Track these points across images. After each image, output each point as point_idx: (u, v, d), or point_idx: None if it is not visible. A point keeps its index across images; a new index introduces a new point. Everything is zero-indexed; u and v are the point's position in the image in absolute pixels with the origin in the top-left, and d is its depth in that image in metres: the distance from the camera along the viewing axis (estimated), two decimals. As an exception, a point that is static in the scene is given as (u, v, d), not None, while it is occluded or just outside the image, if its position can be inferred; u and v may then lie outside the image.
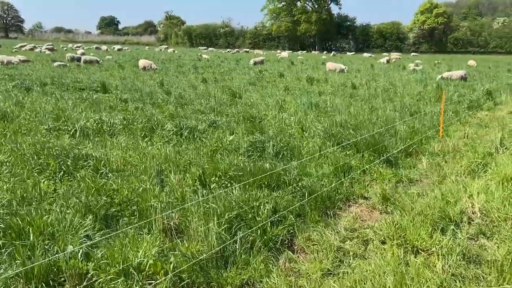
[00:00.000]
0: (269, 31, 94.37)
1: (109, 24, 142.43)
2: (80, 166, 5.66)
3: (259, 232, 4.04)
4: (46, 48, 45.71)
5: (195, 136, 7.60)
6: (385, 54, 65.92)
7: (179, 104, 11.29)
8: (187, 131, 7.65)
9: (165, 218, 4.03)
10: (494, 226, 4.44)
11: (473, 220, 4.56)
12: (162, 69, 23.69)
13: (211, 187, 5.12)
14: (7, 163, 5.72)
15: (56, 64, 23.24)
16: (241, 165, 5.65)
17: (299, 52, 70.82)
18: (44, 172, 5.46)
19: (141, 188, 4.90)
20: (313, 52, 76.58)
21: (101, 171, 5.58)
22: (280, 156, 6.49)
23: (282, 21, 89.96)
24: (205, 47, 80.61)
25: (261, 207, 4.34)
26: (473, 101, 12.80)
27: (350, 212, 4.96)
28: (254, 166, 5.46)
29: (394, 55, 52.06)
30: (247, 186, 4.96)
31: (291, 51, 63.85)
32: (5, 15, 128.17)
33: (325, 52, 68.48)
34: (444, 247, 3.83)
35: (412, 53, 70.29)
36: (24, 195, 4.60)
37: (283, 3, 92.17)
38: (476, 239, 4.20)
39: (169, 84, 16.34)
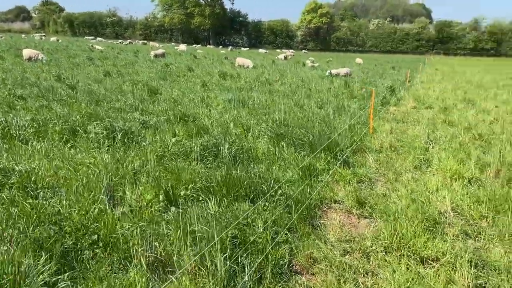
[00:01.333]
0: (161, 22, 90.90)
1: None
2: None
3: (260, 256, 3.48)
4: None
5: (131, 140, 6.60)
6: (279, 50, 68.56)
7: (93, 101, 9.88)
8: (120, 133, 6.59)
9: (147, 249, 3.23)
10: (474, 226, 4.55)
11: (451, 221, 4.62)
12: (52, 60, 20.88)
13: (179, 202, 4.37)
14: None
15: None
16: (207, 173, 4.98)
17: (195, 45, 69.58)
18: None
19: (95, 210, 3.94)
20: (208, 46, 75.90)
21: (29, 188, 4.41)
22: (238, 160, 5.93)
23: (175, 13, 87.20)
24: (93, 37, 74.29)
25: (255, 224, 3.78)
26: (384, 97, 13.68)
27: (331, 220, 4.67)
28: (228, 175, 4.81)
29: (289, 52, 54.26)
30: (224, 200, 4.34)
31: (185, 45, 62.24)
32: None
33: (220, 46, 68.38)
34: (451, 255, 3.74)
35: (303, 51, 74.33)
36: None
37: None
38: (463, 241, 4.23)
39: (68, 77, 14.34)
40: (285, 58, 38.84)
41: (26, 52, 20.11)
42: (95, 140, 6.51)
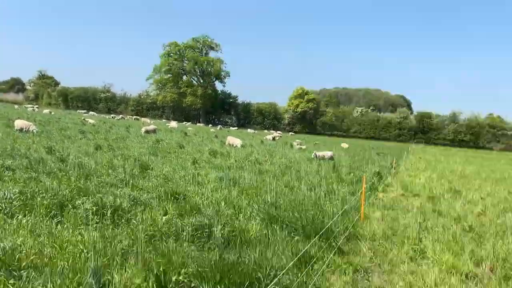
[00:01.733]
0: (154, 100, 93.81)
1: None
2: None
3: None
4: None
5: (120, 217, 6.42)
6: (266, 131, 70.47)
7: (82, 175, 9.75)
8: (110, 210, 6.42)
9: None
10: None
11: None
12: (43, 132, 20.97)
13: (170, 288, 4.13)
14: None
15: None
16: (199, 256, 4.79)
17: (185, 123, 71.24)
18: None
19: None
20: (198, 124, 77.69)
21: (11, 268, 4.14)
22: (231, 243, 5.76)
23: (168, 92, 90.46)
24: (85, 111, 75.67)
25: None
26: (373, 183, 13.85)
27: (328, 312, 4.44)
28: (221, 259, 4.63)
29: (277, 133, 55.78)
30: (218, 287, 4.13)
31: (176, 122, 63.74)
32: None
33: (210, 125, 70.18)
34: None
35: (290, 133, 76.50)
36: None
37: (169, 75, 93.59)
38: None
39: (59, 150, 14.30)
40: (273, 139, 39.79)
41: (18, 123, 20.25)
42: (84, 216, 6.31)
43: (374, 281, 5.40)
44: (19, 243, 4.79)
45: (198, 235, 5.79)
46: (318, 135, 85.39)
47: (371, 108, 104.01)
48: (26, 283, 3.79)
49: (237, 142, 25.07)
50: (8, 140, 15.70)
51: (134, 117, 73.27)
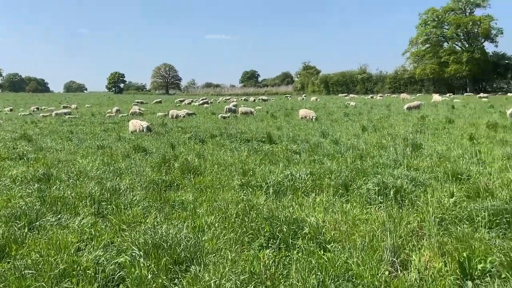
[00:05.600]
0: (411, 74, 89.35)
1: (250, 78, 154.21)
2: (294, 233, 4.94)
3: None
4: (202, 102, 50.66)
5: (404, 198, 6.41)
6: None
7: (357, 156, 10.30)
8: (392, 191, 6.51)
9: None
10: None
11: None
12: (316, 118, 23.38)
13: (475, 277, 3.82)
14: (216, 226, 5.36)
15: (220, 116, 24.96)
16: (505, 245, 4.23)
17: (449, 94, 64.78)
18: (257, 239, 4.89)
19: (386, 272, 3.86)
20: (465, 94, 69.18)
21: (318, 240, 4.78)
22: (543, 232, 4.83)
23: (426, 64, 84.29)
24: (345, 94, 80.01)
25: None
26: None
27: None
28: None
29: None
30: (539, 283, 3.53)
31: (438, 94, 58.54)
32: (167, 75, 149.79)
33: (481, 94, 60.97)
34: None
35: None
36: (252, 270, 3.98)
37: (427, 45, 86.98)
38: None
39: (331, 133, 15.59)
40: None
41: (302, 112, 23.26)
42: (368, 195, 6.64)
43: None
44: (320, 218, 5.48)
45: (497, 221, 5.12)
46: None
47: None
48: (334, 255, 4.28)
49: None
50: (290, 128, 18.32)
51: (392, 95, 72.13)
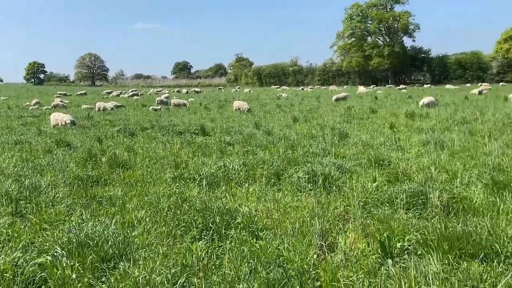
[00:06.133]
0: (339, 67, 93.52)
1: (182, 69, 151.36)
2: (228, 224, 4.97)
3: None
4: (132, 94, 48.75)
5: (331, 184, 6.72)
6: (469, 85, 61.86)
7: (288, 146, 10.58)
8: (321, 178, 6.79)
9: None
10: None
11: None
12: (251, 109, 23.58)
13: (394, 254, 4.12)
14: (147, 220, 5.21)
15: (151, 108, 24.20)
16: (419, 224, 4.61)
17: (373, 86, 68.80)
18: (189, 232, 4.84)
19: (314, 255, 4.03)
20: (387, 86, 73.89)
21: (251, 229, 4.86)
22: (452, 211, 5.35)
23: (352, 57, 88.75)
24: (277, 86, 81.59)
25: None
26: None
27: None
28: (446, 228, 4.35)
29: (484, 86, 48.27)
30: (449, 257, 3.90)
31: (364, 86, 61.97)
32: (92, 65, 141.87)
33: (401, 85, 65.56)
34: None
35: (501, 83, 65.14)
36: (185, 262, 3.94)
37: (353, 39, 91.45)
38: None
39: (264, 125, 15.84)
40: (480, 92, 34.61)
41: (236, 104, 23.24)
42: (298, 184, 6.86)
43: None
44: (252, 208, 5.56)
45: (413, 202, 5.56)
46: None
47: None
48: (266, 242, 4.37)
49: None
50: (224, 119, 18.31)
51: (321, 87, 74.92)
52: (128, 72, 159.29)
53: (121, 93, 53.38)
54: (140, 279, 3.50)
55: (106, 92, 56.32)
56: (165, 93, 49.35)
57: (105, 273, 3.89)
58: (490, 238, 4.11)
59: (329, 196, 6.20)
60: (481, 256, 3.94)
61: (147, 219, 5.22)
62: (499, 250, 3.97)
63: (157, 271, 3.64)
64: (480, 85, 50.11)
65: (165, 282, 3.48)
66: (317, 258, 4.03)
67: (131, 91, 54.12)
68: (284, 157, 8.98)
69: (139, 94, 51.00)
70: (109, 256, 4.15)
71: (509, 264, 3.82)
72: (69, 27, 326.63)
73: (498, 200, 5.64)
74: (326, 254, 4.23)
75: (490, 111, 18.54)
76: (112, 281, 3.69)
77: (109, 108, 25.02)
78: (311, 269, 3.78)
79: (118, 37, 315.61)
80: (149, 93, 59.04)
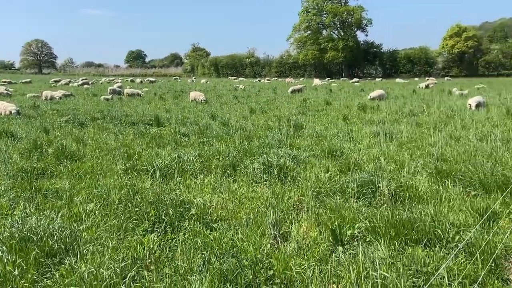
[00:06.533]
0: (295, 59, 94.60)
1: (136, 58, 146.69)
2: (181, 216, 4.89)
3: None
4: (82, 82, 46.66)
5: (286, 175, 6.79)
6: (417, 79, 64.75)
7: (245, 137, 10.58)
8: (276, 168, 6.85)
9: (325, 291, 3.16)
10: None
11: None
12: (207, 100, 23.31)
13: (345, 242, 4.24)
14: (97, 213, 5.03)
15: (102, 98, 23.27)
16: (369, 212, 4.77)
17: (328, 79, 70.25)
18: (141, 224, 4.72)
19: (268, 244, 4.06)
20: (341, 79, 75.80)
21: (205, 221, 4.82)
22: (399, 199, 5.58)
23: (308, 50, 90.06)
24: (235, 77, 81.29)
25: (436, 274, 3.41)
26: None
27: (524, 274, 3.96)
28: (393, 215, 4.54)
29: (430, 80, 50.73)
30: (395, 242, 4.07)
31: (319, 79, 63.28)
32: (39, 52, 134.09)
33: (355, 79, 67.49)
34: None
35: (446, 78, 68.73)
36: (136, 256, 3.84)
37: (308, 32, 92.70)
38: None
39: (221, 116, 15.73)
40: (427, 86, 36.35)
41: (192, 94, 22.83)
42: (254, 174, 6.88)
43: None
44: (207, 199, 5.51)
45: (364, 191, 5.75)
46: (480, 77, 74.71)
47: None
48: (220, 233, 4.35)
49: (380, 93, 23.69)
50: (180, 110, 17.98)
51: (278, 79, 75.49)
52: (78, 60, 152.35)
53: (70, 81, 51.00)
54: (87, 274, 3.36)
55: (54, 81, 53.47)
56: (118, 82, 47.61)
57: (50, 269, 3.72)
58: (433, 224, 4.33)
59: (283, 187, 6.28)
60: (424, 242, 4.14)
61: (97, 212, 5.03)
62: (441, 235, 4.20)
63: (105, 265, 3.52)
64: (427, 79, 52.60)
65: (114, 276, 3.37)
66: (271, 248, 4.07)
67: (82, 80, 51.80)
68: (240, 148, 8.98)
69: (90, 83, 48.97)
70: (55, 251, 3.97)
71: (450, 249, 4.05)
72: (14, 12, 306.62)
73: (441, 188, 5.97)
74: (280, 244, 4.28)
75: (435, 104, 19.52)
76: (57, 276, 3.52)
77: (57, 97, 23.84)
78: (264, 259, 3.80)
79: (66, 23, 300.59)
80: (100, 82, 56.76)
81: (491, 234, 4.35)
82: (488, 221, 4.88)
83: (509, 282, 3.76)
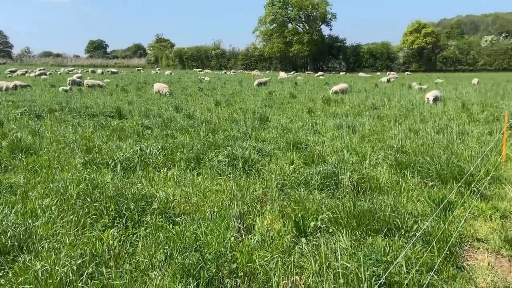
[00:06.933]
0: (261, 52, 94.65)
1: (97, 48, 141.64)
2: (143, 210, 4.77)
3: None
4: (39, 73, 44.60)
5: (251, 167, 6.78)
6: (379, 73, 66.46)
7: (209, 130, 10.47)
8: (241, 161, 6.82)
9: (288, 282, 3.17)
10: None
11: None
12: (172, 92, 22.87)
13: (308, 233, 4.29)
14: (54, 208, 4.81)
15: (61, 89, 22.32)
16: (332, 203, 4.84)
17: (293, 72, 70.81)
18: (101, 219, 4.56)
19: (232, 238, 4.04)
20: (307, 72, 76.61)
21: (167, 215, 4.72)
22: (361, 190, 5.70)
23: (274, 43, 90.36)
24: (200, 69, 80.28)
25: (398, 263, 3.51)
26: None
27: (476, 261, 4.15)
28: (355, 206, 4.62)
29: (391, 74, 52.25)
30: (357, 233, 4.15)
31: (285, 72, 63.68)
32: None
33: (320, 72, 68.40)
34: None
35: (406, 72, 70.97)
36: (94, 252, 3.70)
37: (274, 25, 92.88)
38: None
39: (185, 108, 15.48)
40: (388, 81, 37.41)
41: (156, 86, 22.28)
42: (218, 167, 6.82)
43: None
44: (170, 193, 5.40)
45: (327, 183, 5.83)
46: (438, 72, 77.76)
47: (503, 35, 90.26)
48: (183, 227, 4.28)
49: (344, 87, 24.12)
50: (143, 102, 17.55)
51: (244, 71, 75.24)
52: (35, 50, 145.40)
53: (27, 72, 48.62)
54: (41, 272, 3.21)
55: (10, 71, 50.78)
56: (77, 73, 45.86)
57: (2, 267, 3.53)
58: (393, 214, 4.45)
59: (248, 179, 6.26)
60: (384, 231, 4.25)
61: (53, 207, 4.82)
62: (400, 225, 4.32)
63: (61, 262, 3.37)
64: (389, 74, 54.19)
65: (70, 273, 3.23)
66: (235, 241, 4.04)
67: (39, 70, 49.48)
68: (205, 141, 8.88)
69: (48, 73, 46.89)
70: (8, 249, 3.77)
71: (408, 238, 4.17)
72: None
73: (400, 179, 6.15)
74: (244, 236, 4.26)
75: (396, 98, 20.11)
76: (11, 275, 3.35)
77: (12, 88, 22.64)
78: (228, 252, 3.77)
79: (22, 11, 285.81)
80: (59, 72, 54.49)
81: (446, 223, 4.53)
82: (444, 210, 5.07)
83: (463, 269, 3.93)
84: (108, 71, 57.58)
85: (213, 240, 3.96)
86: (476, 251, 4.37)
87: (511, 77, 48.28)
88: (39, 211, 4.73)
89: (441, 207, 4.84)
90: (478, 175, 6.34)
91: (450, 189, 5.82)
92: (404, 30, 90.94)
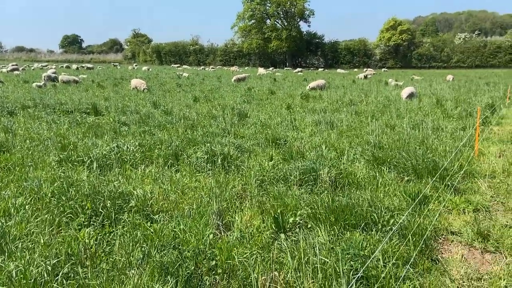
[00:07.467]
0: (240, 48, 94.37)
1: (72, 43, 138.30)
2: (120, 208, 4.69)
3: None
4: (12, 68, 43.19)
5: (230, 164, 6.76)
6: (356, 70, 67.26)
7: (188, 126, 10.39)
8: (220, 158, 6.79)
9: (267, 278, 3.18)
10: None
11: None
12: (150, 88, 22.54)
13: (287, 229, 4.31)
14: (28, 208, 4.68)
15: (35, 84, 21.69)
16: (311, 199, 4.88)
17: (272, 68, 70.92)
18: (76, 218, 4.46)
19: (210, 235, 4.02)
20: (285, 68, 76.90)
21: (145, 213, 4.66)
22: (339, 185, 5.76)
23: (252, 39, 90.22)
24: (178, 65, 79.44)
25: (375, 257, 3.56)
26: (486, 117, 12.60)
27: (450, 253, 4.27)
28: (334, 201, 4.67)
29: (368, 71, 52.98)
30: (335, 228, 4.20)
31: (264, 68, 63.68)
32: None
33: (298, 69, 68.74)
34: None
35: (383, 69, 72.15)
36: (70, 251, 3.62)
37: (253, 21, 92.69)
38: None
39: (163, 104, 15.29)
40: (365, 77, 37.93)
41: (134, 82, 21.87)
42: (197, 164, 6.77)
43: (499, 219, 5.03)
44: (148, 190, 5.33)
45: (306, 179, 5.87)
46: (413, 68, 79.34)
47: (476, 33, 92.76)
48: (162, 225, 4.24)
49: (321, 83, 24.26)
50: (120, 98, 17.24)
51: (223, 67, 74.87)
52: (7, 45, 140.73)
53: (-3, 67, 47.00)
54: (15, 273, 3.12)
55: (-21, 66, 49.08)
56: (52, 68, 44.65)
57: (-27, 270, 3.41)
58: (370, 209, 4.52)
59: (227, 176, 6.24)
60: (362, 226, 4.31)
61: (27, 206, 4.69)
62: (377, 219, 4.39)
63: (36, 262, 3.29)
64: (366, 70, 54.96)
65: (45, 274, 3.15)
66: (214, 238, 4.03)
67: (11, 66, 47.89)
68: (183, 137, 8.80)
69: (21, 69, 45.48)
70: (-21, 251, 3.65)
71: (385, 232, 4.25)
72: None
73: (377, 174, 6.25)
74: (223, 233, 4.25)
75: (373, 94, 20.41)
76: (-19, 278, 3.24)
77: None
78: (207, 249, 3.75)
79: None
80: (32, 68, 52.95)
81: (422, 217, 4.64)
82: (420, 204, 5.19)
83: (438, 262, 4.03)
84: (83, 67, 56.34)
85: (192, 237, 3.93)
86: (450, 244, 4.48)
87: (484, 74, 49.72)
88: (12, 210, 4.60)
89: (416, 201, 4.94)
90: (452, 169, 6.50)
91: (425, 183, 5.95)
92: (381, 27, 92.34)
